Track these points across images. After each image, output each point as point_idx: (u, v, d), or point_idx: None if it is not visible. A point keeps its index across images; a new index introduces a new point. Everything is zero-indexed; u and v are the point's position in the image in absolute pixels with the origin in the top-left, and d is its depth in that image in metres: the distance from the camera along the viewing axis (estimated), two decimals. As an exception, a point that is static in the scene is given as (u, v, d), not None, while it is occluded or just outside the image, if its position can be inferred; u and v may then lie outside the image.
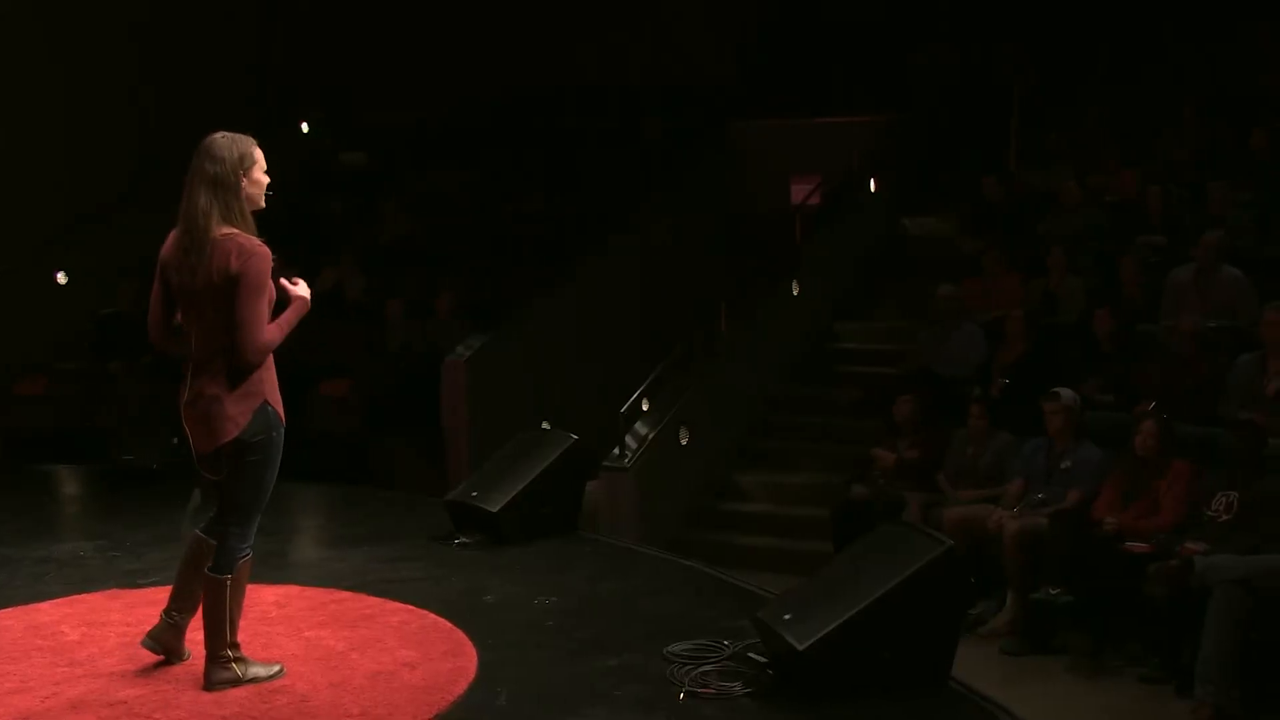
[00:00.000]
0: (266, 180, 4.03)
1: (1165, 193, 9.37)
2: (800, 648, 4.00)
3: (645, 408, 8.56)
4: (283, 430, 4.04)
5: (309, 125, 13.89)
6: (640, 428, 8.40)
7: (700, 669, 4.25)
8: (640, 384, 8.56)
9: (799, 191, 11.36)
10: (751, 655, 4.34)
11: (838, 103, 12.47)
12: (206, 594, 4.07)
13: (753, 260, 10.58)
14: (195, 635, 4.21)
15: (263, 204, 4.04)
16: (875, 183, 11.37)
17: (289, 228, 11.65)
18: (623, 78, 13.10)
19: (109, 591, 5.30)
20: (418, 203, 12.31)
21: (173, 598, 4.28)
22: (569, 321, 10.37)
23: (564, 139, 12.86)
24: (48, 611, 5.01)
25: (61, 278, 11.26)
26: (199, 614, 4.17)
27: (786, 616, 4.18)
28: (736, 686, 4.13)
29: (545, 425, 7.52)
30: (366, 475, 8.90)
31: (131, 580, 5.46)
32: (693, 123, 12.66)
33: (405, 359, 9.85)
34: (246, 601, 4.24)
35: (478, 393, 9.33)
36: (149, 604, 4.93)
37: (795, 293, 10.18)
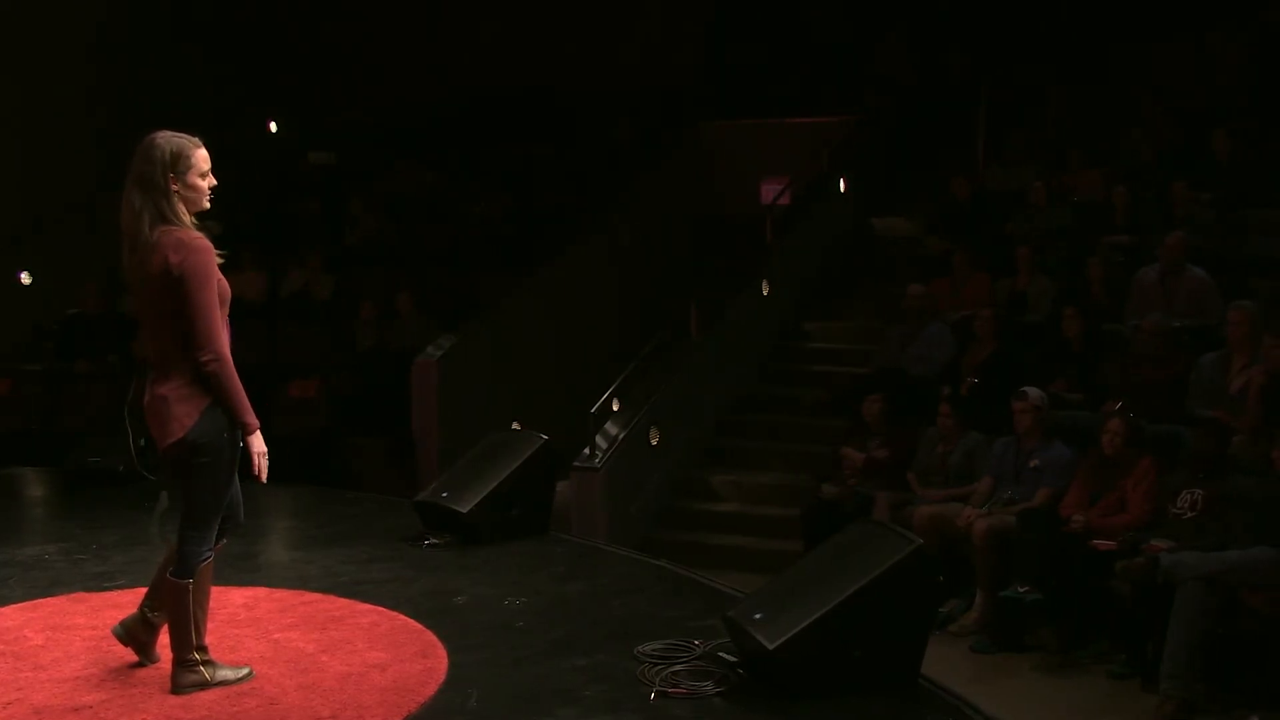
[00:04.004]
0: (207, 183, 3.98)
1: (1130, 193, 9.46)
2: (771, 647, 4.00)
3: (615, 408, 8.56)
4: (238, 432, 3.98)
5: (277, 125, 13.79)
6: (611, 428, 8.39)
7: (671, 669, 4.25)
8: (610, 384, 8.56)
9: (768, 192, 11.40)
10: (722, 655, 4.34)
11: (806, 103, 12.50)
12: (169, 599, 4.04)
13: (722, 260, 10.60)
14: (164, 639, 4.17)
15: (205, 205, 3.98)
16: (844, 183, 11.41)
17: (256, 228, 11.60)
18: (592, 79, 13.09)
19: (74, 595, 5.24)
20: (385, 203, 12.26)
21: (150, 594, 4.24)
22: (539, 322, 10.36)
23: (533, 139, 12.84)
24: (11, 616, 4.95)
25: (25, 278, 11.14)
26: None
27: (757, 616, 4.19)
28: (707, 686, 4.13)
29: (515, 426, 7.51)
30: (335, 476, 8.85)
31: (97, 584, 5.41)
32: (662, 123, 12.67)
33: (373, 359, 9.81)
34: (215, 604, 4.21)
35: (448, 393, 9.30)
36: (114, 607, 4.89)
37: (765, 293, 10.21)
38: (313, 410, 9.38)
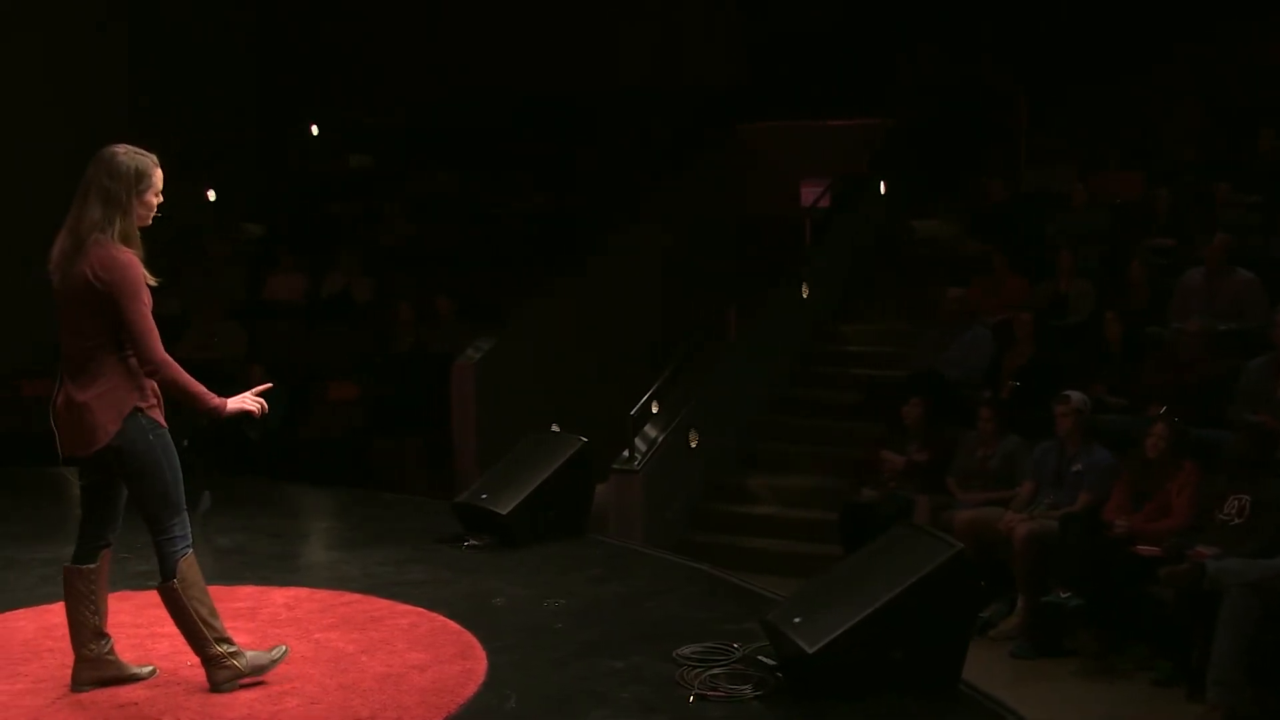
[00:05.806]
0: (157, 201, 4.02)
1: (1171, 195, 9.36)
2: (810, 650, 3.98)
3: (655, 410, 8.55)
4: (164, 431, 3.98)
5: (319, 128, 13.87)
6: (650, 430, 8.38)
7: (710, 672, 4.24)
8: (649, 386, 8.54)
9: (808, 194, 11.36)
10: (761, 658, 4.33)
11: (846, 105, 12.45)
12: (166, 605, 4.05)
13: (761, 262, 10.56)
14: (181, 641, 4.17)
15: (149, 222, 4.02)
16: (884, 185, 11.35)
17: (296, 230, 11.68)
18: (631, 79, 13.09)
19: (119, 593, 5.25)
20: (423, 204, 12.31)
21: (72, 637, 4.17)
22: (577, 324, 10.36)
23: (572, 140, 12.86)
24: (58, 613, 4.98)
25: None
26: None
27: (796, 619, 4.17)
28: (746, 689, 4.12)
29: (555, 428, 7.51)
30: (373, 478, 8.89)
31: (141, 582, 5.44)
32: (700, 124, 12.65)
33: (412, 361, 9.85)
34: (256, 603, 4.23)
35: (486, 395, 9.32)
36: (158, 606, 4.91)
37: (805, 295, 10.16)
38: (351, 412, 9.43)
